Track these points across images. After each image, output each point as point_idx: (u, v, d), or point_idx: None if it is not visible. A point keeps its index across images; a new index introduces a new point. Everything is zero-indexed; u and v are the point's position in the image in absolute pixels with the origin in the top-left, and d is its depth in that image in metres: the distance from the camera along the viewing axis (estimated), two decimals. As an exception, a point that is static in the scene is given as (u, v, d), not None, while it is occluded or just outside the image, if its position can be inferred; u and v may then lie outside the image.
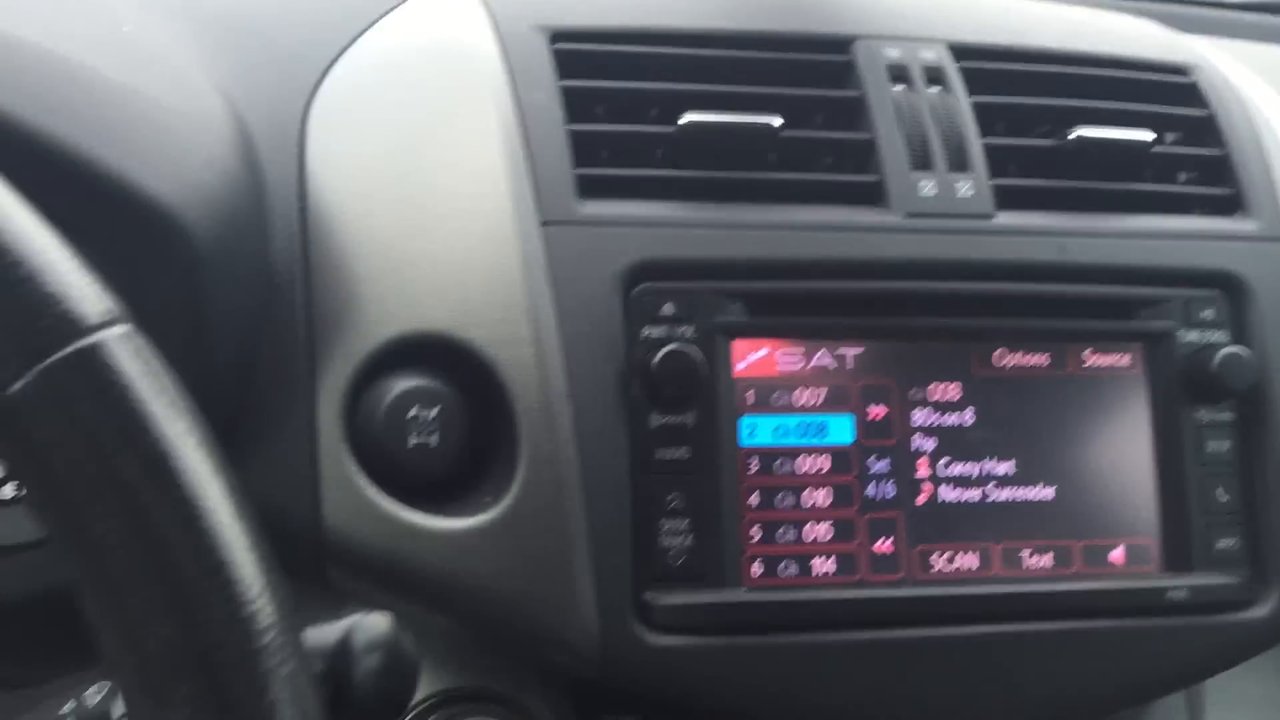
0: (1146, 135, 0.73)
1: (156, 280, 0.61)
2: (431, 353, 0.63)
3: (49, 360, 0.31)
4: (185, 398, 0.33)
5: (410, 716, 0.69)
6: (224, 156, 0.65)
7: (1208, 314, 0.71)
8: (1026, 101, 0.74)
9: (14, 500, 0.67)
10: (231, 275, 0.63)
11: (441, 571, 0.62)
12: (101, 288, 0.33)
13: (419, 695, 0.70)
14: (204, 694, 0.31)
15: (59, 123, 0.55)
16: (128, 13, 0.69)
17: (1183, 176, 0.77)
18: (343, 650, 0.44)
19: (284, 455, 0.63)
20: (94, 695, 0.45)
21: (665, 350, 0.62)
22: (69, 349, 0.31)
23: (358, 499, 0.62)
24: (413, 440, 0.62)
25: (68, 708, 0.45)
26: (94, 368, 0.31)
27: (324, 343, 0.64)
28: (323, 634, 0.44)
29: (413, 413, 0.62)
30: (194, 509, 0.31)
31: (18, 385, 0.31)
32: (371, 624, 0.45)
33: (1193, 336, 0.71)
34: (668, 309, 0.64)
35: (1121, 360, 0.70)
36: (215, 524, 0.32)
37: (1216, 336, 0.71)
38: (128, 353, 0.32)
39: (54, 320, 0.31)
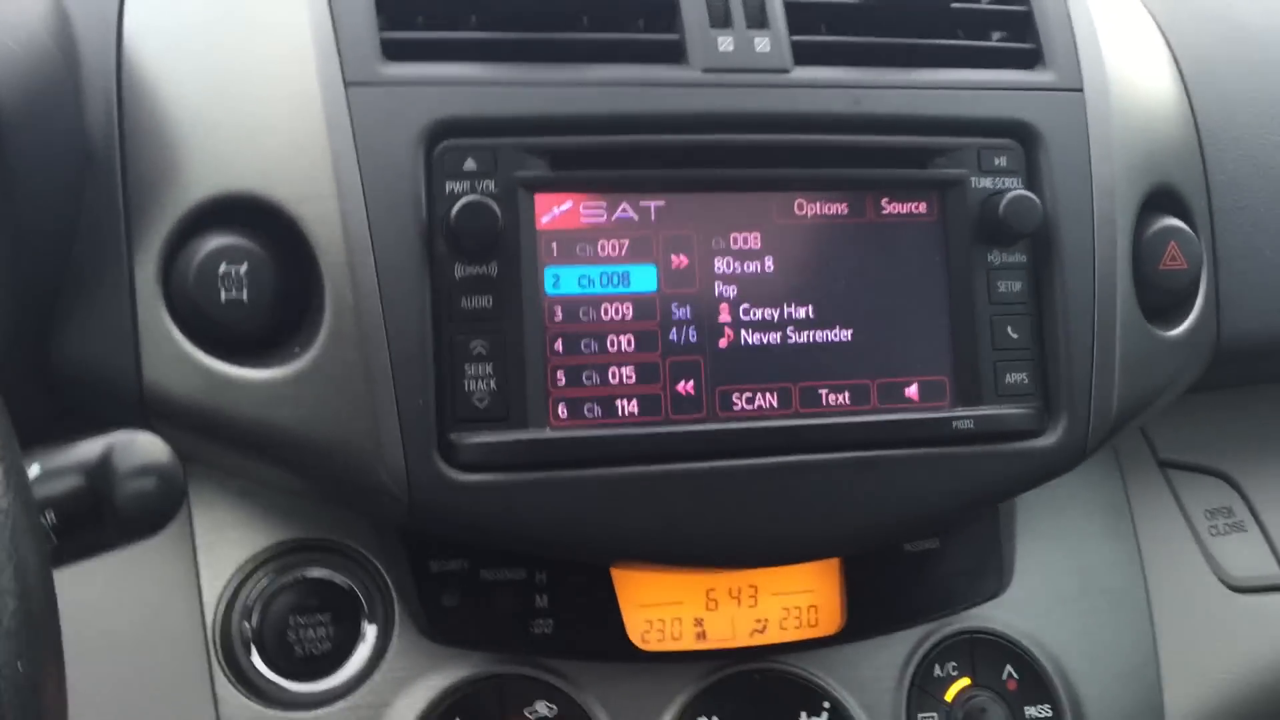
0: (945, -9, 0.75)
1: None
2: (243, 212, 0.66)
3: None
4: None
5: (248, 567, 0.73)
6: (31, 29, 0.66)
7: (1000, 161, 0.74)
8: (831, -38, 0.76)
9: None
10: (42, 143, 0.65)
11: (255, 420, 0.65)
12: None
13: (258, 546, 0.73)
14: None
15: None
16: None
17: (995, 35, 0.79)
18: (102, 466, 0.46)
19: (105, 316, 0.66)
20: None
21: (463, 202, 0.65)
22: None
23: (175, 354, 0.65)
24: (224, 296, 0.65)
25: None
26: None
27: (140, 207, 0.66)
28: (83, 450, 0.47)
29: (223, 269, 0.65)
30: None
31: None
32: (133, 444, 0.47)
33: (986, 183, 0.74)
34: (469, 165, 0.67)
35: (918, 208, 0.74)
36: None
37: (1008, 183, 0.74)
38: None
39: None
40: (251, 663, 0.71)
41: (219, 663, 0.71)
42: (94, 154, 0.67)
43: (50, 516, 0.46)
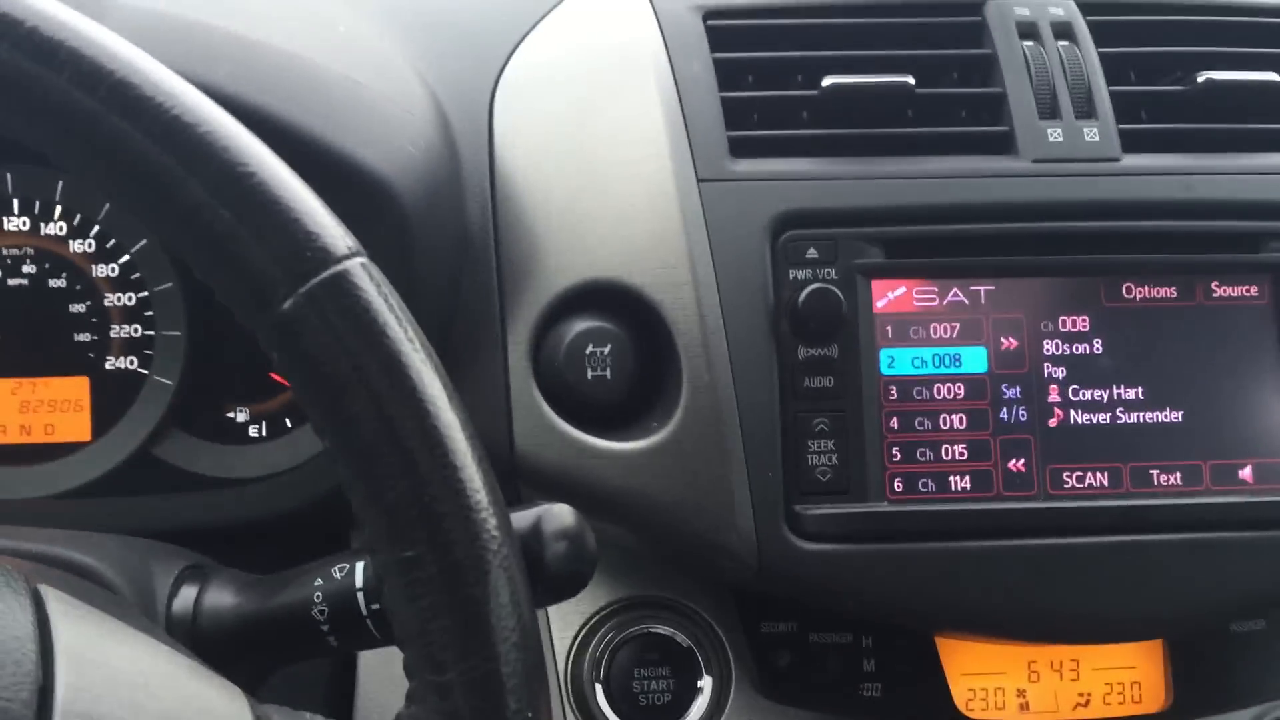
0: (1273, 76, 0.76)
1: (374, 240, 0.71)
2: (606, 298, 0.73)
3: (311, 283, 0.41)
4: (407, 311, 0.43)
5: (594, 621, 0.79)
6: (426, 133, 0.75)
7: (1336, 244, 0.74)
8: (1153, 50, 0.78)
9: (263, 438, 0.80)
10: (434, 234, 0.73)
11: (615, 488, 0.71)
12: (345, 228, 0.43)
13: (602, 601, 0.79)
14: (432, 542, 0.40)
15: (294, 110, 0.67)
16: (341, 14, 0.80)
17: (1318, 114, 0.80)
18: (535, 533, 0.53)
19: (481, 390, 0.74)
20: (338, 572, 0.55)
21: (809, 289, 0.70)
22: (326, 274, 0.41)
23: (544, 425, 0.72)
24: (589, 374, 0.72)
25: (318, 582, 0.56)
26: (345, 287, 0.41)
27: (512, 292, 0.74)
28: (517, 518, 0.53)
29: (589, 350, 0.72)
30: (419, 397, 0.41)
31: (288, 304, 0.41)
32: (559, 513, 0.54)
33: (1320, 265, 0.74)
34: (812, 253, 0.72)
35: (1249, 290, 0.74)
36: (436, 410, 0.41)
37: (1342, 264, 0.74)
38: (368, 276, 0.42)
39: (314, 251, 0.41)
40: (600, 707, 0.77)
41: (570, 707, 0.77)
42: (472, 245, 0.75)
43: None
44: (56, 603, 0.41)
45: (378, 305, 0.42)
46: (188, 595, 0.56)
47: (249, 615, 0.55)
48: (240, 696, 0.41)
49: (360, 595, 0.55)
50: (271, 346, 0.42)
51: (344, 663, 0.76)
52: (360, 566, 0.56)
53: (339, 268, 0.42)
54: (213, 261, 0.42)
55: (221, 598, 0.56)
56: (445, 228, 0.74)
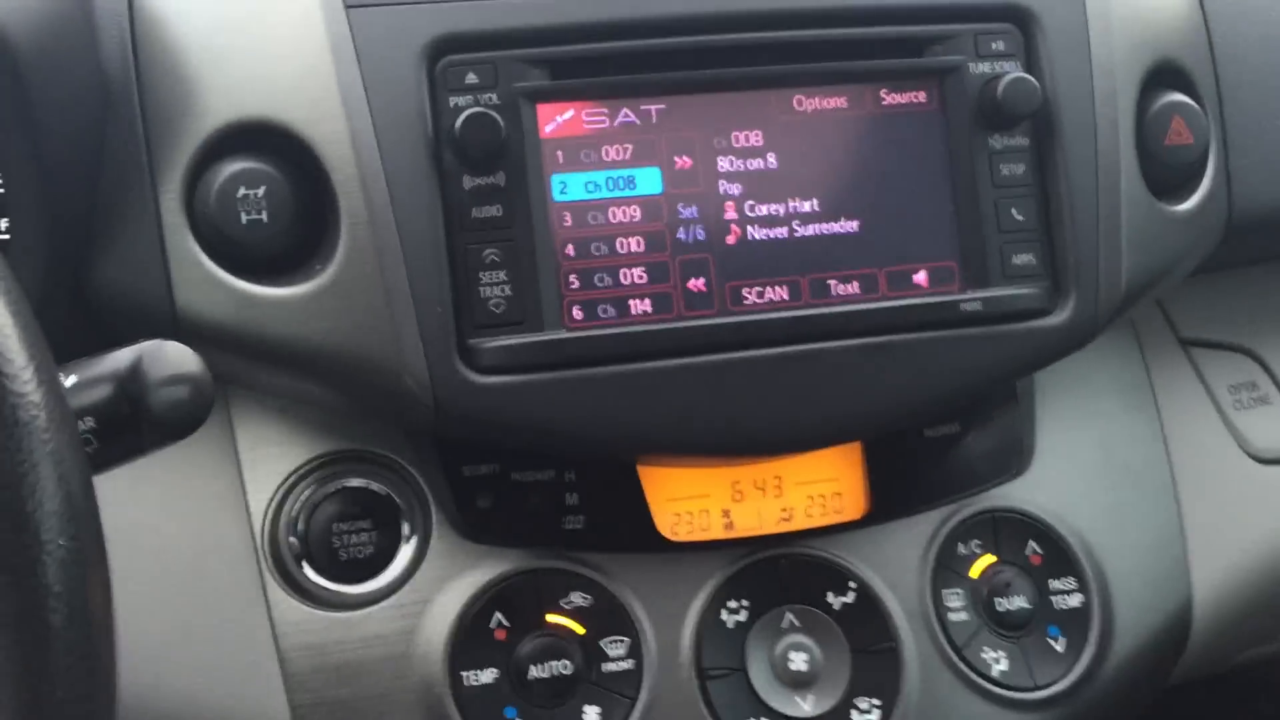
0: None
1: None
2: (259, 137, 0.68)
3: None
4: None
5: (290, 480, 0.76)
6: (43, -28, 0.69)
7: (997, 45, 0.75)
8: None
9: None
10: (61, 84, 0.68)
11: (284, 337, 0.68)
12: None
13: (299, 459, 0.76)
14: None
15: None
16: None
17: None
18: (133, 373, 0.49)
19: (134, 244, 0.69)
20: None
21: (466, 115, 0.67)
22: None
23: (203, 276, 0.68)
24: (245, 218, 0.68)
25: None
26: None
27: (160, 138, 0.69)
28: (115, 359, 0.50)
29: (242, 193, 0.68)
30: None
31: None
32: (161, 350, 0.50)
33: (983, 68, 0.74)
34: (471, 78, 0.69)
35: (917, 96, 0.74)
36: None
37: (1006, 67, 0.75)
38: None
39: None
40: (300, 568, 0.74)
41: (269, 570, 0.74)
42: (112, 90, 0.70)
43: (89, 422, 0.49)
44: None
45: None
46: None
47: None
48: None
49: None
50: None
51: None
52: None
53: None
54: None
55: None
56: (73, 73, 0.68)
